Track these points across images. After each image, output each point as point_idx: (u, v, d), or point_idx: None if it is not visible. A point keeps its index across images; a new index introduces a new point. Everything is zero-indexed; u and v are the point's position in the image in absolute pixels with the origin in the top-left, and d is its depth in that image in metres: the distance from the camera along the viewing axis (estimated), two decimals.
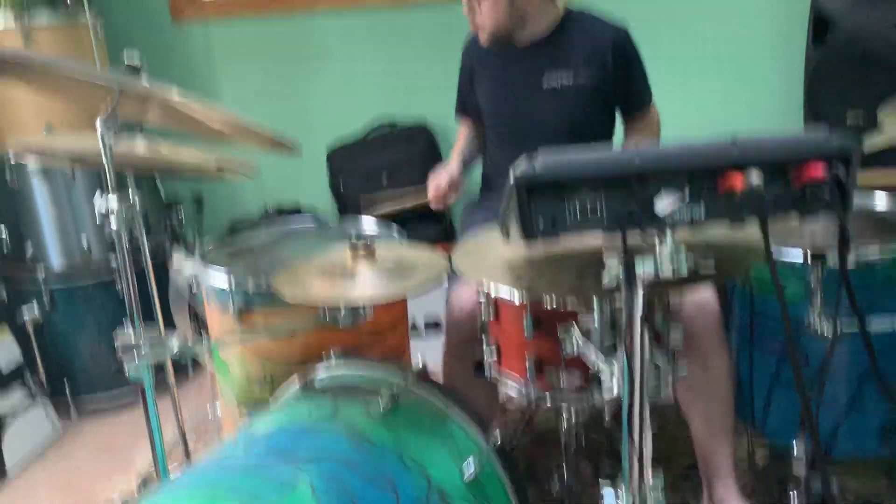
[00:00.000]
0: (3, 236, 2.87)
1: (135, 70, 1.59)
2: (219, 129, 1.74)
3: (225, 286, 1.97)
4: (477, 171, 2.46)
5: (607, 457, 2.32)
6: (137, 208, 1.63)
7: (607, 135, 2.30)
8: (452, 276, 1.84)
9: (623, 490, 1.24)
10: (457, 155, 2.37)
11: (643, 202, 1.04)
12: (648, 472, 1.23)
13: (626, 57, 2.19)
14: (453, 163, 2.30)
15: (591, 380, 1.56)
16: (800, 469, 1.82)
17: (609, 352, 1.41)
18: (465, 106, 2.43)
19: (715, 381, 1.90)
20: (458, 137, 2.48)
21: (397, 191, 3.24)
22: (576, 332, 1.44)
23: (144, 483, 2.43)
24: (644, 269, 1.09)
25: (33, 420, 2.76)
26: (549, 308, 1.58)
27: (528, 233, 1.08)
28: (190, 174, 1.91)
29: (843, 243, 1.07)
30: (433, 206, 2.22)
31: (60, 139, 1.90)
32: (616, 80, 2.18)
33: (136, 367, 1.60)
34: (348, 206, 3.41)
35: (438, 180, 2.19)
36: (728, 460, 1.96)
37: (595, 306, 1.43)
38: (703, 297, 1.85)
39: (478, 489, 1.45)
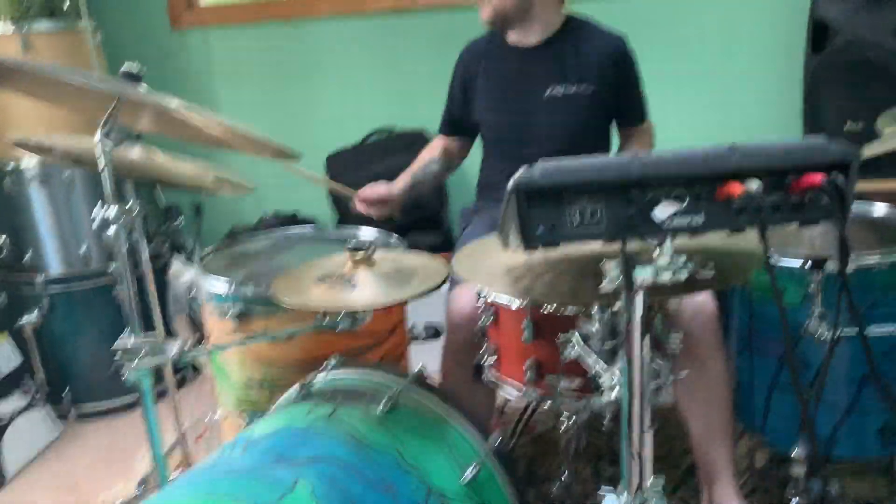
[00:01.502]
0: (3, 241, 2.87)
1: (134, 78, 1.59)
2: (218, 137, 1.74)
3: (223, 291, 1.97)
4: (473, 176, 2.46)
5: (607, 459, 2.32)
6: (136, 214, 1.64)
7: (605, 145, 2.31)
8: (452, 281, 1.85)
9: (623, 493, 1.24)
10: (407, 175, 2.35)
11: (642, 209, 1.05)
12: (648, 474, 1.23)
13: (627, 68, 2.21)
14: (399, 181, 2.31)
15: (591, 383, 1.57)
16: (799, 471, 1.83)
17: (608, 356, 1.42)
18: (449, 124, 2.42)
19: (713, 384, 1.90)
20: (420, 155, 2.45)
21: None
22: (575, 336, 1.45)
23: (143, 486, 2.43)
24: (643, 275, 1.10)
25: (32, 423, 2.76)
26: (548, 313, 1.58)
27: (528, 240, 1.08)
28: (187, 186, 1.91)
29: (843, 251, 1.07)
30: (353, 204, 2.24)
31: (60, 138, 1.90)
32: (617, 90, 2.19)
33: (136, 372, 1.60)
34: (347, 213, 3.42)
35: (375, 187, 2.22)
36: (727, 463, 1.96)
37: (594, 311, 1.44)
38: (701, 299, 1.85)
39: (476, 492, 1.45)
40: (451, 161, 2.44)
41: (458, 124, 2.39)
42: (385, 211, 2.25)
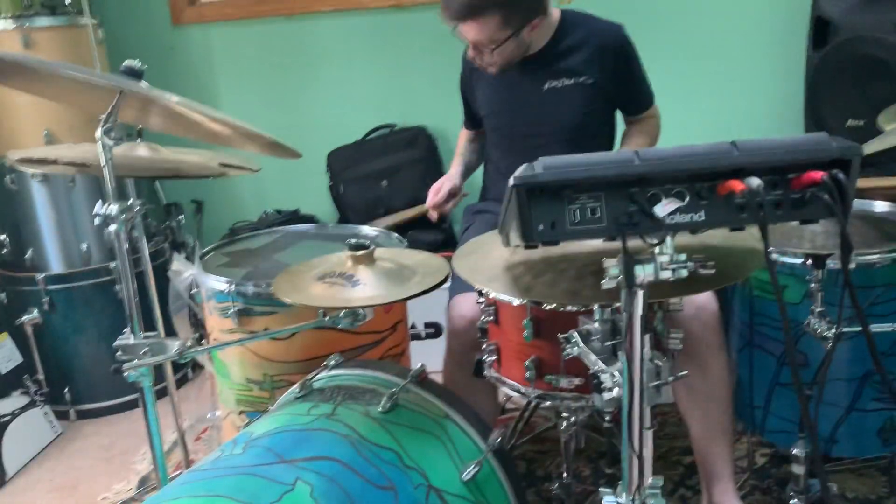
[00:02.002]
0: (3, 239, 2.87)
1: (135, 74, 1.59)
2: (218, 134, 1.74)
3: (224, 290, 1.97)
4: (478, 176, 2.46)
5: (607, 458, 2.32)
6: (136, 212, 1.64)
7: (608, 137, 2.30)
8: (453, 284, 1.84)
9: (622, 492, 1.24)
10: (458, 162, 2.41)
11: (643, 206, 1.04)
12: (648, 474, 1.23)
13: (626, 56, 2.19)
14: (454, 169, 2.36)
15: (591, 382, 1.56)
16: (799, 470, 1.83)
17: (609, 354, 1.41)
18: (472, 119, 2.44)
19: (714, 383, 1.89)
20: (458, 142, 2.50)
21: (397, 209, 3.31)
22: (575, 334, 1.44)
23: (143, 485, 2.44)
24: (644, 272, 1.09)
25: (33, 422, 2.76)
26: (548, 310, 1.58)
27: (528, 237, 1.07)
28: (192, 173, 1.91)
29: (845, 248, 1.07)
30: (430, 216, 2.27)
31: (60, 149, 1.90)
32: (617, 80, 2.18)
33: (136, 369, 1.60)
34: (348, 210, 3.41)
35: (439, 186, 2.23)
36: (726, 462, 1.95)
37: (595, 309, 1.43)
38: (702, 298, 1.85)
39: (476, 490, 1.45)
40: (484, 139, 2.45)
41: (475, 118, 2.41)
42: (457, 201, 2.27)
